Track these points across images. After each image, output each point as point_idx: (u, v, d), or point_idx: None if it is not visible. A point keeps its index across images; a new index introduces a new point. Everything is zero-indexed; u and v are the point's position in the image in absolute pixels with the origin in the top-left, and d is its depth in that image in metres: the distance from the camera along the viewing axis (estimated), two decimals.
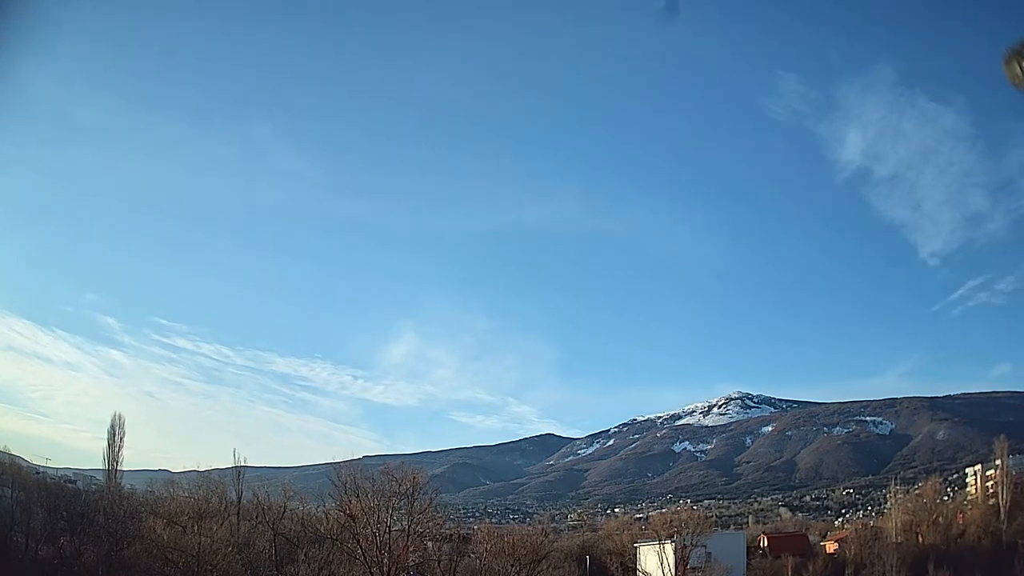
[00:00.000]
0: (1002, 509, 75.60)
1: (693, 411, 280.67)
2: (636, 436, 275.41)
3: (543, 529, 63.42)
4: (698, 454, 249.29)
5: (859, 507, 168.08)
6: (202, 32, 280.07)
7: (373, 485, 39.19)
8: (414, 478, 40.59)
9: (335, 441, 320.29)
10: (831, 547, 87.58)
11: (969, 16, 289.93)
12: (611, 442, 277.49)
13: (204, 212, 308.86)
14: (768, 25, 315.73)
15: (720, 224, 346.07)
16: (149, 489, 67.58)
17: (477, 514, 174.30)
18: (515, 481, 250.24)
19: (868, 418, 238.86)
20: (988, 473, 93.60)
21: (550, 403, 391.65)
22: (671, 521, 66.38)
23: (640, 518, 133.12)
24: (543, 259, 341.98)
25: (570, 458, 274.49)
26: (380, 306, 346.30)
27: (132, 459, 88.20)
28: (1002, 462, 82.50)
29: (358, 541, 37.61)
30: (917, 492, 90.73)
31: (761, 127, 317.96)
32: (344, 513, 38.95)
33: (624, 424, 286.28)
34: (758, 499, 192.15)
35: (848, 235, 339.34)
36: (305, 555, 43.45)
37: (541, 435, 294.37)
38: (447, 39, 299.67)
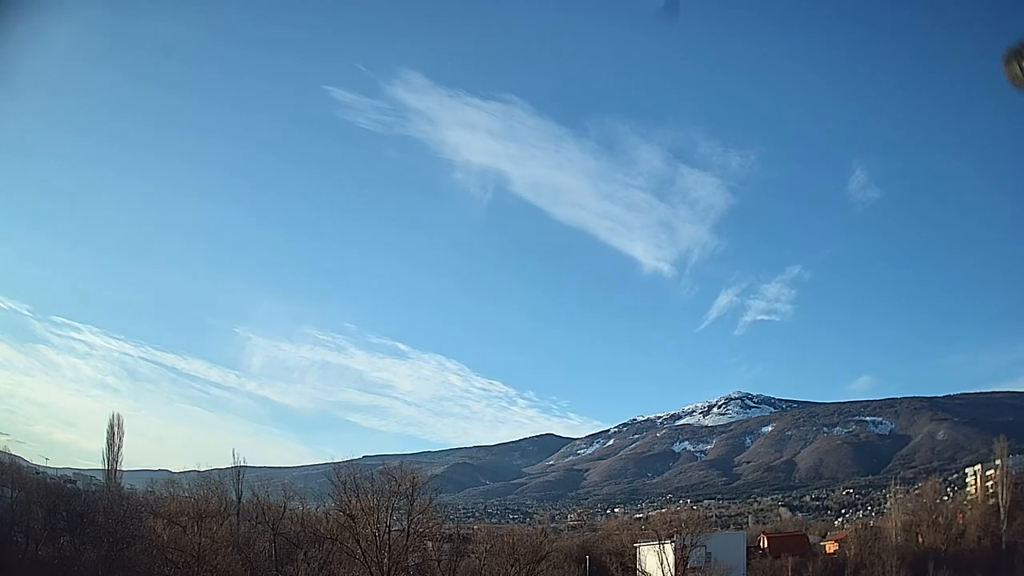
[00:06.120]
0: (1002, 509, 75.48)
1: (693, 411, 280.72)
2: (636, 436, 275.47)
3: (543, 529, 63.48)
4: (698, 454, 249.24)
5: (859, 507, 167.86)
6: None
7: (373, 485, 39.19)
8: (413, 478, 40.61)
9: (263, 440, 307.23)
10: (831, 547, 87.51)
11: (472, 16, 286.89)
12: (611, 442, 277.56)
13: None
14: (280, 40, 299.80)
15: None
16: (149, 489, 67.59)
17: (477, 514, 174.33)
18: (515, 481, 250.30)
19: (868, 418, 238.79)
20: (988, 473, 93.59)
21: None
22: (671, 521, 66.34)
23: (640, 518, 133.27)
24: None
25: (570, 458, 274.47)
26: (221, 304, 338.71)
27: (132, 459, 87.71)
28: (1002, 462, 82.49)
29: (358, 541, 37.58)
30: (917, 492, 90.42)
31: (361, 138, 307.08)
32: (344, 513, 38.93)
33: (624, 424, 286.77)
34: (758, 499, 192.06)
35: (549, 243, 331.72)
36: (305, 555, 43.53)
37: (541, 435, 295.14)
38: None
